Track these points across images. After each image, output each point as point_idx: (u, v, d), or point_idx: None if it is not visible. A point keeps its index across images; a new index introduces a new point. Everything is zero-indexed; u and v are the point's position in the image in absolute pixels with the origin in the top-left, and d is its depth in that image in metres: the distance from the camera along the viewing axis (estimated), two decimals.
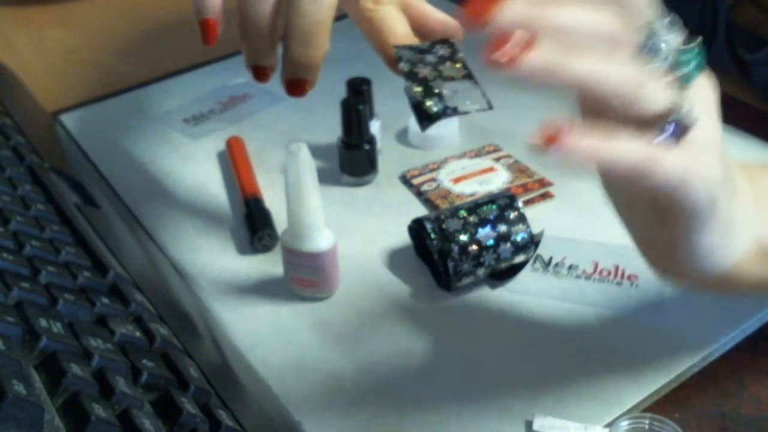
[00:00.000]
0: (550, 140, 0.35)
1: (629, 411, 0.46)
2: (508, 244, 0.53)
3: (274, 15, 0.48)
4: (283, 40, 0.48)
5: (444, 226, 0.53)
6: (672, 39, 0.38)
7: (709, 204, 0.38)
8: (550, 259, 0.56)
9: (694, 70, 0.38)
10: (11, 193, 0.53)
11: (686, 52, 0.38)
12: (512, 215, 0.54)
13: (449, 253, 0.52)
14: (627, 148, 0.36)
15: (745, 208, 0.42)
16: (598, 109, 0.37)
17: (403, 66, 0.46)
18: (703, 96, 0.39)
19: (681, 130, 0.37)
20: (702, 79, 0.39)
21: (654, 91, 0.37)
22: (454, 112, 0.43)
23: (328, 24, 0.49)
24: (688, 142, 0.37)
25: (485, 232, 0.53)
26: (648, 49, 0.37)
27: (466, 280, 0.54)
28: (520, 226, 0.54)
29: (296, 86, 0.51)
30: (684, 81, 0.38)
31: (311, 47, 0.50)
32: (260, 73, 0.51)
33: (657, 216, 0.40)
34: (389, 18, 0.52)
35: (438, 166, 0.66)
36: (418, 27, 0.50)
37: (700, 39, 0.38)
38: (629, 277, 0.55)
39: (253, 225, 0.59)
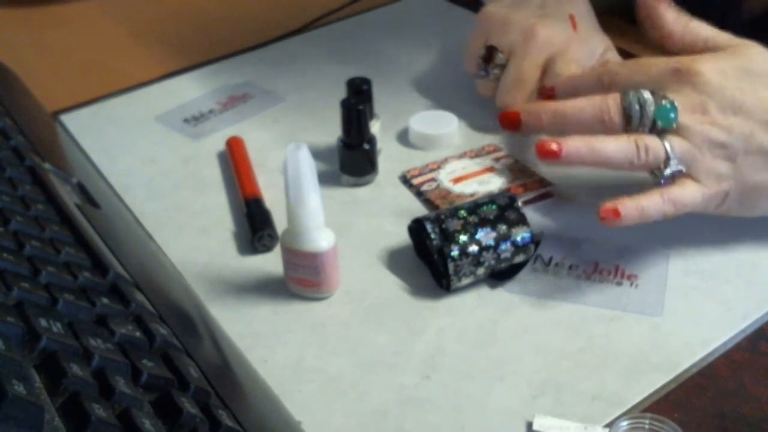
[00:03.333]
0: (612, 213, 0.51)
1: (629, 411, 0.46)
2: (508, 244, 0.53)
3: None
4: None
5: (444, 226, 0.53)
6: (647, 103, 0.52)
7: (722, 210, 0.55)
8: (550, 259, 0.56)
9: (670, 119, 0.52)
10: (11, 193, 0.52)
11: (659, 108, 0.52)
12: (512, 215, 0.54)
13: (449, 253, 0.52)
14: (651, 201, 0.51)
15: None
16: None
17: None
18: (690, 137, 0.52)
19: (674, 175, 0.52)
20: (687, 123, 0.52)
21: (645, 148, 0.51)
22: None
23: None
24: (686, 180, 0.52)
25: (485, 232, 0.53)
26: (631, 115, 0.52)
27: (466, 280, 0.54)
28: (520, 226, 0.54)
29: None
30: (664, 128, 0.52)
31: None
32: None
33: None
34: None
35: (438, 166, 0.66)
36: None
37: (670, 98, 0.52)
38: (629, 277, 0.55)
39: (253, 225, 0.59)
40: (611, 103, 0.53)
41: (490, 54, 0.67)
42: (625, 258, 0.56)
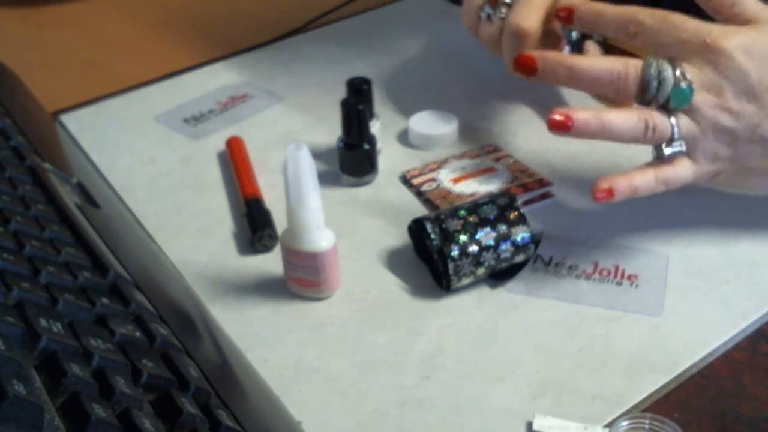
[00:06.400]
0: (606, 192, 0.52)
1: (629, 411, 0.46)
2: (508, 244, 0.53)
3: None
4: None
5: (444, 226, 0.53)
6: (665, 81, 0.51)
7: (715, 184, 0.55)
8: (550, 259, 0.56)
9: (685, 101, 0.51)
10: (11, 193, 0.53)
11: (677, 90, 0.51)
12: (512, 215, 0.54)
13: (449, 253, 0.52)
14: (644, 180, 0.53)
15: None
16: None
17: None
18: (699, 119, 0.52)
19: (674, 155, 0.52)
20: (699, 105, 0.52)
21: (653, 128, 0.52)
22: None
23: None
24: (682, 158, 0.53)
25: (485, 232, 0.53)
26: (647, 89, 0.52)
27: (466, 280, 0.54)
28: (520, 226, 0.54)
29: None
30: (676, 106, 0.52)
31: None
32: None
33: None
34: None
35: (438, 166, 0.66)
36: None
37: (689, 78, 0.51)
38: (629, 277, 0.55)
39: (253, 225, 0.59)
40: (631, 71, 0.52)
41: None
42: (625, 258, 0.56)
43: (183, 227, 0.62)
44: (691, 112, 0.52)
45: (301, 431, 0.46)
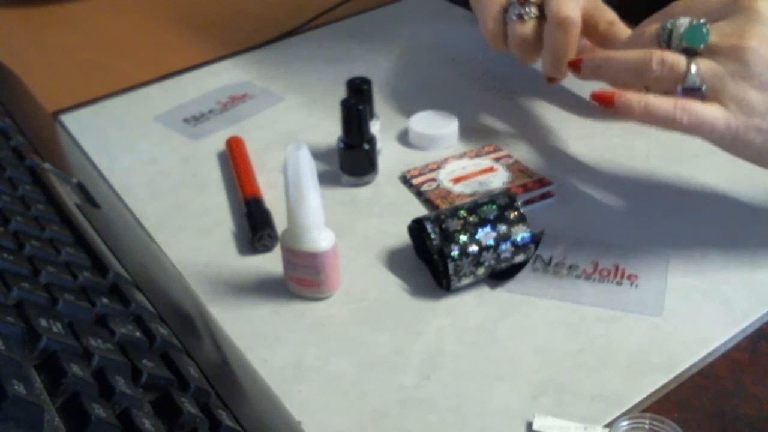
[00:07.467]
0: (606, 99, 0.50)
1: (629, 411, 0.46)
2: (508, 244, 0.53)
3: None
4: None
5: (444, 226, 0.53)
6: (677, 24, 0.50)
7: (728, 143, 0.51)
8: (550, 259, 0.56)
9: (698, 38, 0.49)
10: (11, 193, 0.53)
11: (689, 28, 0.50)
12: (512, 215, 0.54)
13: (449, 253, 0.52)
14: (661, 100, 0.49)
15: None
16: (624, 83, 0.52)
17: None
18: (720, 59, 0.49)
19: (691, 90, 0.49)
20: (718, 43, 0.49)
21: (661, 62, 0.49)
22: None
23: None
24: (712, 101, 0.49)
25: (485, 232, 0.53)
26: (660, 37, 0.51)
27: (466, 280, 0.54)
28: (520, 226, 0.54)
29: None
30: (691, 47, 0.49)
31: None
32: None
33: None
34: None
35: (438, 166, 0.66)
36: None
37: (705, 23, 0.50)
38: (629, 277, 0.55)
39: (253, 225, 0.59)
40: (651, 29, 0.51)
41: None
42: (625, 258, 0.56)
43: (183, 227, 0.62)
44: (711, 53, 0.49)
45: (301, 431, 0.46)
